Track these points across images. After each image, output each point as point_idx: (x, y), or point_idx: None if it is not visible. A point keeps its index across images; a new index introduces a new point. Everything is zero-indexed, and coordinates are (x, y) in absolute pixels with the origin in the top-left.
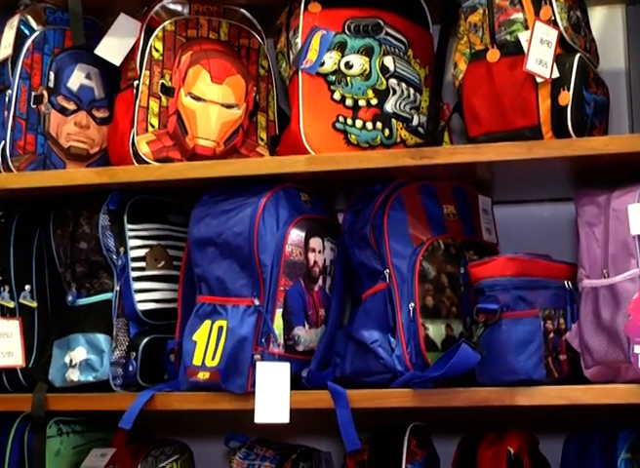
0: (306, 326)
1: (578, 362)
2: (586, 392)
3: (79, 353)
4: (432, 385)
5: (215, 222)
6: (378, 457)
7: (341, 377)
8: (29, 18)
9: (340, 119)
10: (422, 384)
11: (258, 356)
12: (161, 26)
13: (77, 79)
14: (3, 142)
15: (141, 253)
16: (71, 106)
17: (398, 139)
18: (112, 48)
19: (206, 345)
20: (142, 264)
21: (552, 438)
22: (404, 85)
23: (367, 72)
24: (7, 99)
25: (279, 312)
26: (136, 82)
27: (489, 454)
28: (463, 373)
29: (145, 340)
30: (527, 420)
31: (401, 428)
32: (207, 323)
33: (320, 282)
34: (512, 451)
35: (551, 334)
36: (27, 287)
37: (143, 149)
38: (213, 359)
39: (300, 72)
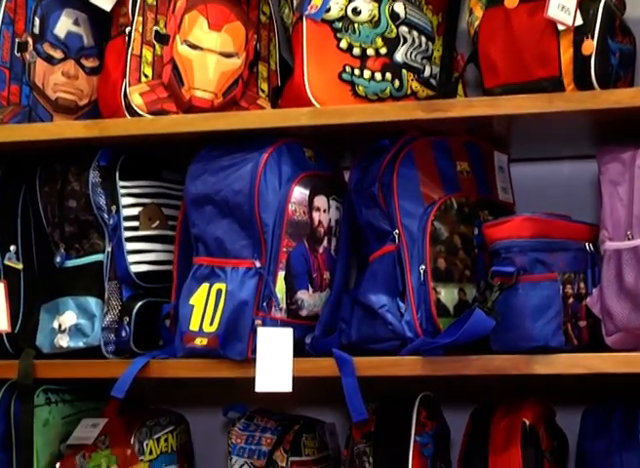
0: (310, 289)
1: (598, 328)
2: (607, 360)
3: (68, 317)
4: (443, 353)
5: (213, 179)
6: (385, 429)
7: (347, 344)
8: None
9: (347, 69)
10: (433, 351)
11: (259, 321)
12: None
13: (64, 25)
14: None
15: (134, 211)
16: (58, 55)
17: (409, 91)
18: None
19: (204, 309)
20: (136, 224)
21: (570, 409)
22: (415, 33)
23: (376, 19)
24: None
25: (281, 275)
26: (128, 29)
27: (502, 426)
28: (477, 340)
29: (139, 304)
30: (543, 390)
31: (410, 398)
32: (205, 286)
33: (325, 243)
34: (527, 423)
35: (571, 299)
36: (12, 247)
37: (136, 101)
38: (211, 324)
39: (304, 19)
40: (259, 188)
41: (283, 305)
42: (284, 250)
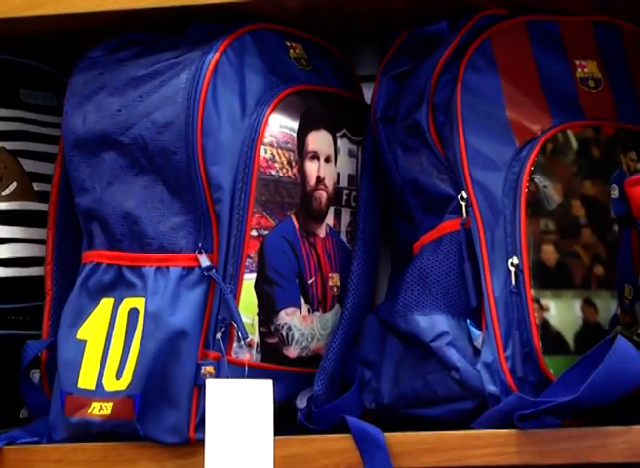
0: (304, 307)
1: None
2: None
3: None
4: (560, 422)
5: (116, 103)
6: None
7: (376, 409)
8: None
9: None
10: (539, 420)
11: (208, 368)
12: None
13: None
14: None
15: None
16: None
17: None
18: None
19: (104, 349)
20: None
21: None
22: None
23: None
24: None
25: (249, 280)
26: None
27: None
28: (621, 397)
29: None
30: None
31: None
32: (105, 303)
33: (330, 219)
34: None
35: None
36: None
37: None
38: (119, 377)
39: None
40: (202, 118)
41: (254, 338)
42: (253, 233)
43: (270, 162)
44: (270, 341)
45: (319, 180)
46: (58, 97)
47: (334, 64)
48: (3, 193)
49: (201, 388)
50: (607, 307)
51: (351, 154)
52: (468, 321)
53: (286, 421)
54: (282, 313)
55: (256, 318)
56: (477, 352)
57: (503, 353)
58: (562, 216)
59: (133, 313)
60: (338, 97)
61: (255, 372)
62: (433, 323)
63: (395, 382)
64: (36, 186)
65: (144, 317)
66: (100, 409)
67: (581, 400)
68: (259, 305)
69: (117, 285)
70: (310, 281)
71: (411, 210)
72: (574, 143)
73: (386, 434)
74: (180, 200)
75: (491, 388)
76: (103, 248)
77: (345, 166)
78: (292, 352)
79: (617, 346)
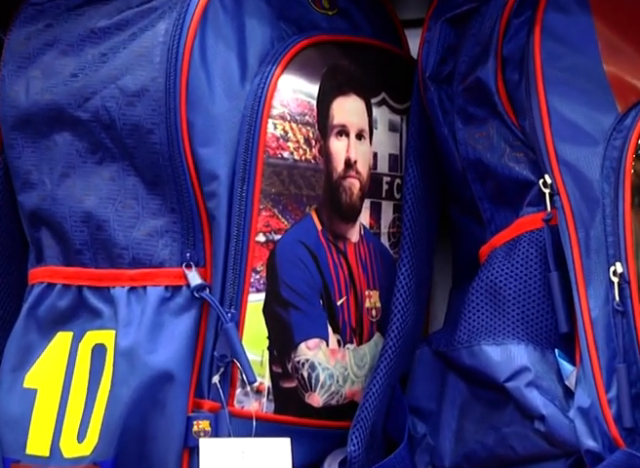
0: (332, 338)
1: None
2: None
3: None
4: None
5: (70, 65)
6: None
7: None
8: None
9: None
10: None
11: (202, 423)
12: None
13: None
14: None
15: None
16: None
17: None
18: None
19: (61, 401)
20: None
21: None
22: None
23: None
24: None
25: (256, 302)
26: None
27: None
28: None
29: None
30: None
31: None
32: (61, 338)
33: (365, 217)
34: None
35: None
36: None
37: None
38: (81, 438)
39: None
40: (188, 83)
41: (264, 381)
42: (260, 238)
43: (282, 141)
44: (287, 385)
45: (349, 164)
46: None
47: (367, 5)
48: None
49: (193, 450)
50: None
51: (393, 128)
52: (557, 352)
53: None
54: (302, 346)
55: (266, 354)
56: (569, 394)
57: (605, 395)
58: None
59: (99, 351)
60: (372, 49)
61: (266, 428)
62: (509, 355)
63: (459, 438)
64: None
65: (115, 356)
66: None
67: None
68: (270, 337)
69: (77, 313)
70: (340, 302)
71: (476, 201)
72: None
73: None
74: (159, 195)
75: (589, 443)
76: (57, 263)
77: (385, 144)
78: (316, 399)
79: None
